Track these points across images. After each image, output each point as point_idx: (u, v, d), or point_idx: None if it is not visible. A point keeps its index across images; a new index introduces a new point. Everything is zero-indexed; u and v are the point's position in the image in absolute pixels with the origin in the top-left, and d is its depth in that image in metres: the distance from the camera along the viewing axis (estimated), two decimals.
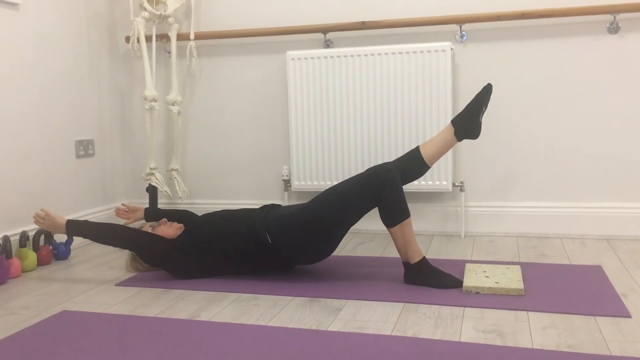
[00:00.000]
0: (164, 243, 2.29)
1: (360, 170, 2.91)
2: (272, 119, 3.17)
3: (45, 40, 2.82)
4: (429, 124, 2.81)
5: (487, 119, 2.89)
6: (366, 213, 2.18)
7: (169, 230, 2.42)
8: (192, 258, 2.29)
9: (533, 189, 2.88)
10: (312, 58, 2.92)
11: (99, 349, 1.70)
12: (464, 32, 2.87)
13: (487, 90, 2.21)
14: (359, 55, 2.86)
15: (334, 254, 2.65)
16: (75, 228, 2.31)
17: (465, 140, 2.92)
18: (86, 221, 2.32)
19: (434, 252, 2.64)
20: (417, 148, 2.26)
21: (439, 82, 2.79)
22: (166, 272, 2.41)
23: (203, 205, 3.31)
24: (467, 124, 2.22)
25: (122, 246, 2.30)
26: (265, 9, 3.11)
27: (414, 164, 2.25)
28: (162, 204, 3.35)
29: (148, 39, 3.10)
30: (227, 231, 2.27)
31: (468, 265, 2.29)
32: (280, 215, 2.24)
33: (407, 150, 2.84)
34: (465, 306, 1.95)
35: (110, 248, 2.93)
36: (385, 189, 2.12)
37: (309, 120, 2.96)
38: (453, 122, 2.25)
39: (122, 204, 2.59)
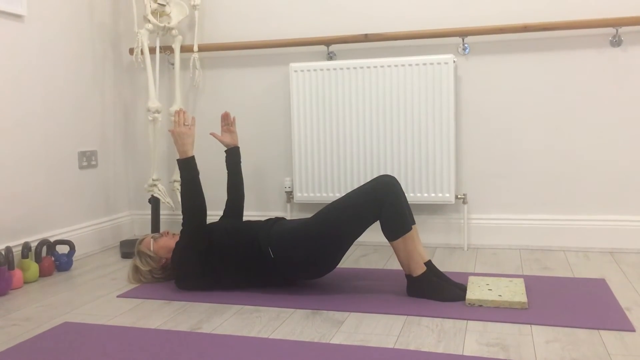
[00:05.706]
0: (204, 248, 2.27)
1: (363, 182, 2.90)
2: (275, 130, 3.18)
3: (50, 52, 2.84)
4: (431, 136, 2.82)
5: (491, 131, 2.89)
6: (368, 227, 2.17)
7: (172, 241, 2.41)
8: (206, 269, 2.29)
9: (536, 202, 2.87)
10: (315, 70, 2.93)
11: None
12: (466, 45, 2.87)
13: None
14: (361, 68, 2.87)
15: (337, 266, 2.64)
16: (189, 167, 2.28)
17: (468, 153, 2.92)
18: (198, 173, 2.29)
19: (437, 264, 2.63)
20: None
21: (441, 95, 2.79)
22: (168, 284, 2.41)
23: None
24: None
25: (191, 214, 2.25)
26: (268, 21, 3.13)
27: None
28: (164, 215, 3.35)
29: (152, 50, 3.12)
30: (230, 244, 2.27)
31: (471, 278, 2.28)
32: (282, 230, 2.23)
33: (409, 162, 2.84)
34: (468, 319, 1.94)
35: (114, 259, 2.92)
36: (386, 202, 2.12)
37: (312, 132, 2.97)
38: None
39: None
